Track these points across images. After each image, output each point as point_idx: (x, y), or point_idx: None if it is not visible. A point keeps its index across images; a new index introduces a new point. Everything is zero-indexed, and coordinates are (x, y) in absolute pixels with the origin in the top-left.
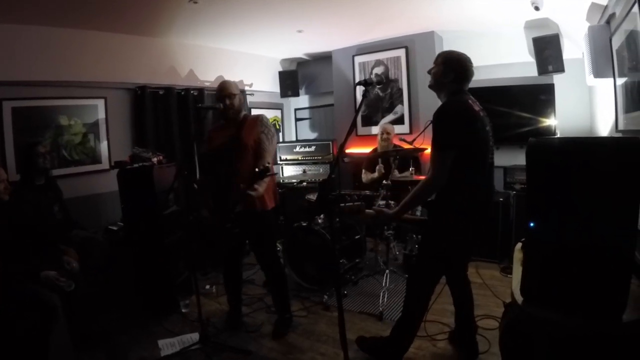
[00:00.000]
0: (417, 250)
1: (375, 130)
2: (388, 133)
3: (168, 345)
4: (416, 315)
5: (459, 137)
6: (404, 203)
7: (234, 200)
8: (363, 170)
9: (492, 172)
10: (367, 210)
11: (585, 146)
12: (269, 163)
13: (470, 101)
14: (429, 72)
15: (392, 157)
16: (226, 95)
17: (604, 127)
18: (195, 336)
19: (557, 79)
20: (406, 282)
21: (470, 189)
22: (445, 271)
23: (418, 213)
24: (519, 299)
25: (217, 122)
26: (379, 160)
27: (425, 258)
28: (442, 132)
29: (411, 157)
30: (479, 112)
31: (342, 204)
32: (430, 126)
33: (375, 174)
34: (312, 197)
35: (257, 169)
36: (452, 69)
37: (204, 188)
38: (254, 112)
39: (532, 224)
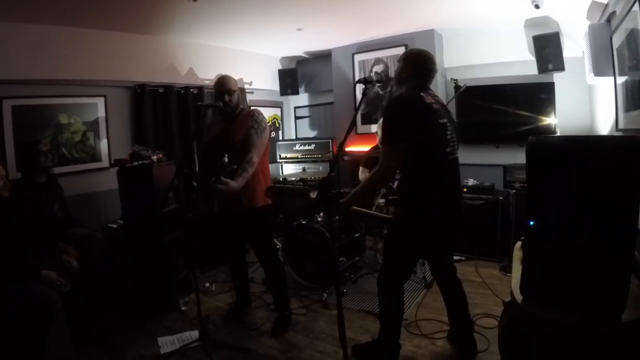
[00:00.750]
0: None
1: (374, 128)
2: None
3: (168, 342)
4: (393, 313)
5: (407, 129)
6: (353, 193)
7: (211, 194)
8: (360, 168)
9: (457, 168)
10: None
11: (585, 145)
12: (251, 157)
13: (423, 94)
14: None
15: None
16: (225, 92)
17: (604, 126)
18: (194, 334)
19: (557, 78)
20: (377, 283)
21: (429, 185)
22: (431, 271)
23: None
24: (519, 297)
25: (216, 117)
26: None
27: (389, 255)
28: (390, 124)
29: None
30: (431, 105)
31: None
32: None
33: None
34: (312, 195)
35: (234, 166)
36: (409, 63)
37: (202, 181)
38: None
39: (531, 223)
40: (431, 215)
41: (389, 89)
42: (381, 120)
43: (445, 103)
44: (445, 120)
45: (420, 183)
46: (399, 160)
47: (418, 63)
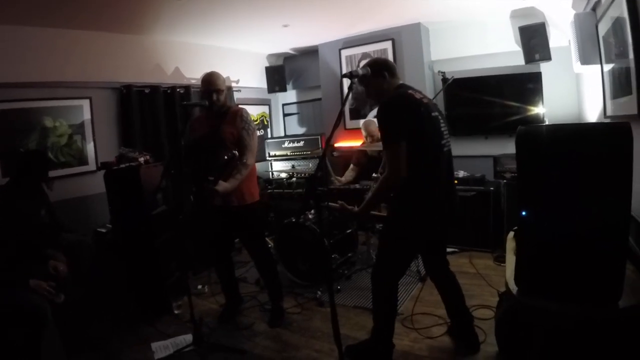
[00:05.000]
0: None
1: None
2: (371, 136)
3: (161, 348)
4: (387, 312)
5: (403, 128)
6: (367, 202)
7: (205, 194)
8: (351, 166)
9: (451, 159)
10: (331, 204)
11: (575, 133)
12: (246, 160)
13: (410, 91)
14: (368, 96)
15: (379, 151)
16: (214, 91)
17: (592, 113)
18: (188, 337)
19: (545, 67)
20: (371, 280)
21: (426, 178)
22: (424, 265)
23: None
24: (513, 288)
25: (201, 112)
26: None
27: (385, 251)
28: (387, 126)
29: None
30: (421, 100)
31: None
32: None
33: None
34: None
35: (225, 157)
36: (379, 74)
37: (187, 178)
38: None
39: (523, 213)
40: (427, 207)
41: None
42: (367, 117)
43: (432, 97)
44: (436, 114)
45: (417, 177)
46: (404, 161)
47: (384, 67)
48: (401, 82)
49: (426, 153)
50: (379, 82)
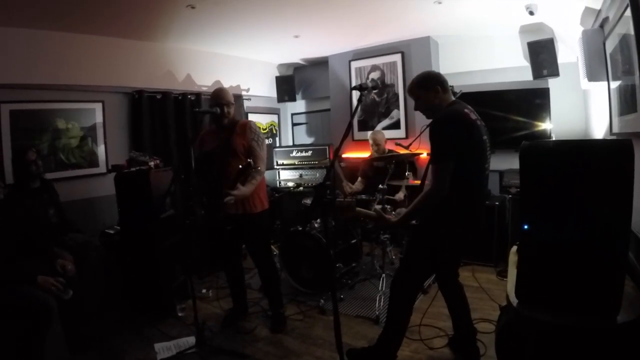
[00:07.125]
0: (404, 253)
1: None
2: (377, 145)
3: (164, 348)
4: (401, 321)
5: (455, 146)
6: (407, 213)
7: (223, 202)
8: (359, 178)
9: (487, 183)
10: (366, 211)
11: (577, 148)
12: (260, 168)
13: (466, 110)
14: (417, 109)
15: (387, 163)
16: (225, 104)
17: (599, 130)
18: (191, 340)
19: (552, 83)
20: (390, 287)
21: (463, 197)
22: (436, 275)
23: None
24: (514, 301)
25: (210, 126)
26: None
27: (412, 260)
28: (438, 143)
29: (407, 162)
30: (475, 121)
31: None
32: (426, 130)
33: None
34: (309, 201)
35: (240, 166)
36: (434, 86)
37: (197, 189)
38: (251, 117)
39: (525, 227)
40: (460, 222)
41: (385, 95)
42: (376, 128)
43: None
44: (486, 137)
45: (454, 195)
46: (448, 180)
47: (436, 81)
48: (454, 98)
49: (470, 174)
50: (430, 96)
